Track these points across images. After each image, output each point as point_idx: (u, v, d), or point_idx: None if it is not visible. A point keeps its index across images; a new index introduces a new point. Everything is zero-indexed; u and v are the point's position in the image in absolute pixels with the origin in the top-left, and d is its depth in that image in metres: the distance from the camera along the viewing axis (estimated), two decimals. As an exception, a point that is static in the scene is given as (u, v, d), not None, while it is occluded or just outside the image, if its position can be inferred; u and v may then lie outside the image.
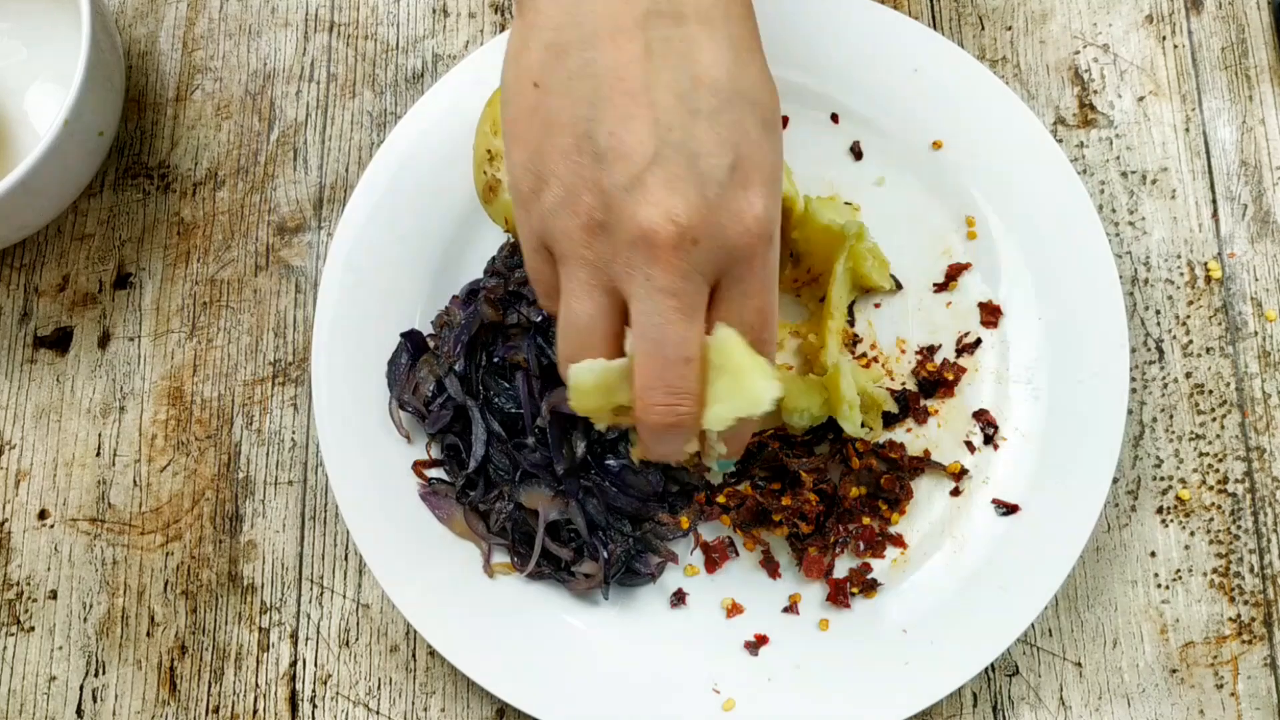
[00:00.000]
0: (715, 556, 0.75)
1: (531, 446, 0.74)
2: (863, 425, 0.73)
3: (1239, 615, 0.75)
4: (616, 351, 0.57)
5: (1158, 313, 0.80)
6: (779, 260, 0.57)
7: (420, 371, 0.76)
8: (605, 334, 0.56)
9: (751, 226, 0.55)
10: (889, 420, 0.77)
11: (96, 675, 0.78)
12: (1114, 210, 0.82)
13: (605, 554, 0.73)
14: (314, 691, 0.77)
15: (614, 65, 0.54)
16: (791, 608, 0.74)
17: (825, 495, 0.74)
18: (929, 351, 0.77)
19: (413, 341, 0.77)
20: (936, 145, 0.79)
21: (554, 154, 0.55)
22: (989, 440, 0.76)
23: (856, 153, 0.80)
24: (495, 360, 0.76)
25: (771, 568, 0.75)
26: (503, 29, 0.87)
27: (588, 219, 0.54)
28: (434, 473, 0.77)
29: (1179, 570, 0.76)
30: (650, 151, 0.53)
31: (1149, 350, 0.80)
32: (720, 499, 0.75)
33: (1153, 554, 0.77)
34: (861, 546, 0.74)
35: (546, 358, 0.75)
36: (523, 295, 0.76)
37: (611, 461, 0.75)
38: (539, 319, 0.75)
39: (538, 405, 0.74)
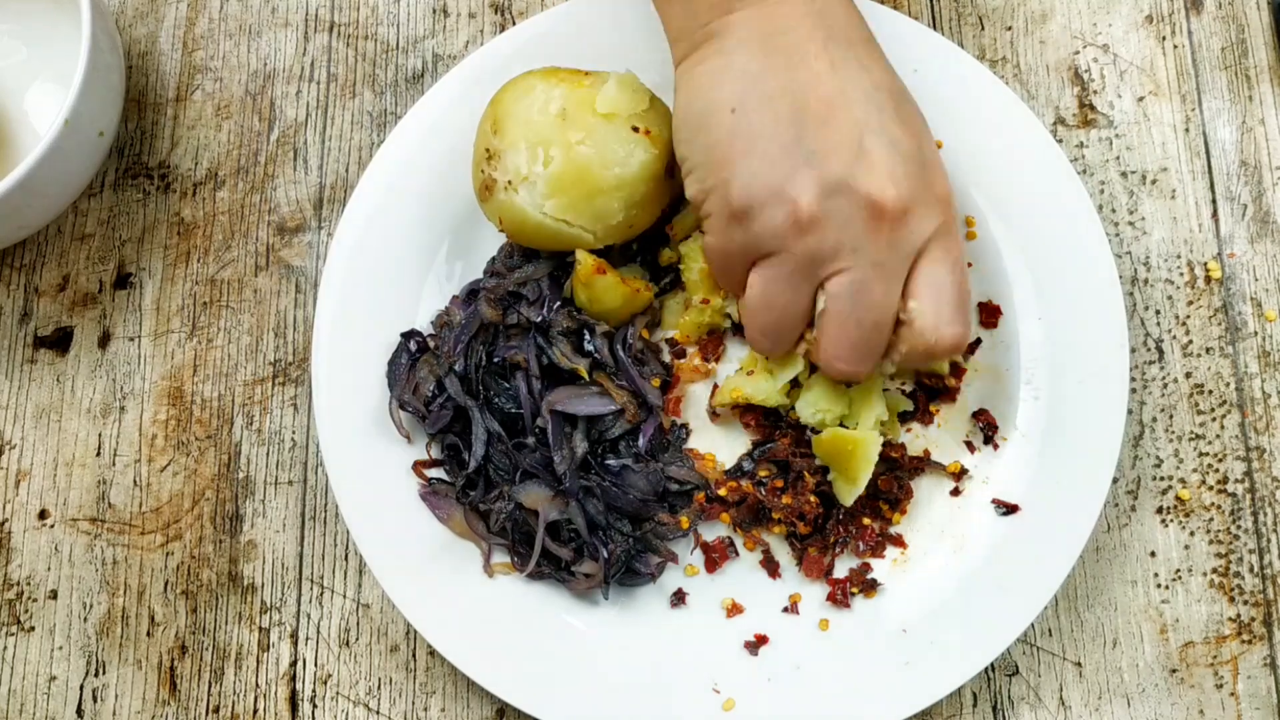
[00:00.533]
0: (715, 556, 0.75)
1: (531, 446, 0.74)
2: (883, 434, 0.74)
3: (1239, 615, 0.75)
4: (804, 328, 0.67)
5: (1158, 313, 0.80)
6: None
7: (420, 371, 0.76)
8: (801, 318, 0.66)
9: (946, 198, 0.64)
10: (901, 419, 0.77)
11: (96, 675, 0.78)
12: (1114, 210, 0.82)
13: (605, 554, 0.73)
14: (314, 691, 0.77)
15: (807, 81, 0.62)
16: (791, 608, 0.74)
17: (825, 496, 0.74)
18: None
19: (413, 341, 0.77)
20: (936, 145, 0.79)
21: (766, 168, 0.62)
22: (989, 440, 0.76)
23: None
24: (495, 360, 0.76)
25: (771, 568, 0.75)
26: (502, 29, 0.87)
27: (809, 213, 0.61)
28: (434, 472, 0.77)
29: (1179, 570, 0.76)
30: (856, 142, 0.61)
31: (1149, 350, 0.80)
32: (722, 492, 0.75)
33: (1153, 554, 0.77)
34: (861, 547, 0.74)
35: (547, 357, 0.75)
36: (522, 295, 0.76)
37: (612, 461, 0.75)
38: (539, 319, 0.75)
39: (538, 405, 0.74)
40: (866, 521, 0.74)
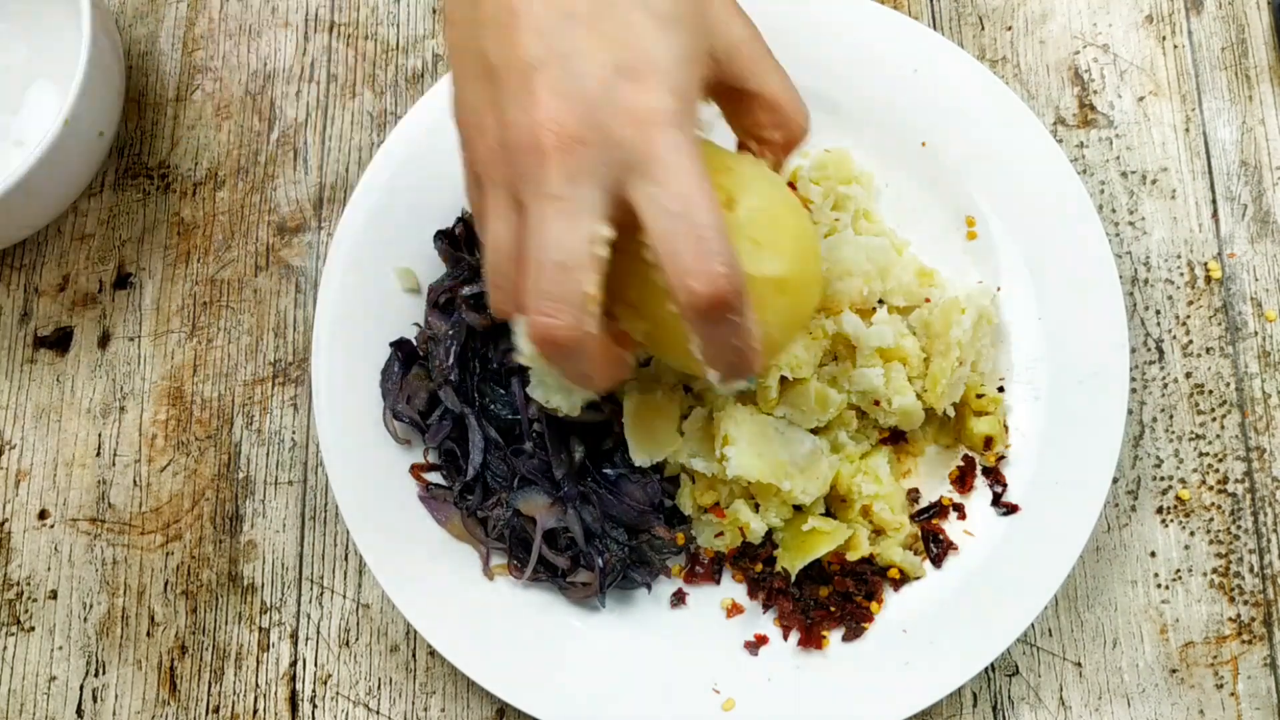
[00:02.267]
0: (701, 572, 0.75)
1: (529, 452, 0.74)
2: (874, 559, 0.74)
3: (1239, 615, 0.75)
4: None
5: (1158, 313, 0.80)
6: (696, 152, 0.54)
7: (413, 382, 0.76)
8: (512, 254, 0.57)
9: (644, 118, 0.54)
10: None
11: (96, 675, 0.78)
12: (1114, 210, 0.82)
13: (601, 563, 0.73)
14: (314, 691, 0.77)
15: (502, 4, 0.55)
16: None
17: (797, 597, 0.74)
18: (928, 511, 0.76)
19: (403, 351, 0.77)
20: (936, 146, 0.79)
21: (466, 83, 0.57)
22: (997, 501, 0.74)
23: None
24: (491, 367, 0.76)
25: (755, 595, 0.75)
26: (503, 29, 0.87)
27: (494, 140, 0.55)
28: (432, 476, 0.76)
29: (1179, 570, 0.76)
30: (529, 61, 0.54)
31: (1149, 350, 0.80)
32: (709, 553, 0.75)
33: (1153, 554, 0.77)
34: (842, 616, 0.74)
35: None
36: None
37: (609, 470, 0.75)
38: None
39: (536, 409, 0.74)
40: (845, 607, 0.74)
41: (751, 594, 0.75)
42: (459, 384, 0.75)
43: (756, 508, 0.73)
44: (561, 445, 0.74)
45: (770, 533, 0.74)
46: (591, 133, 0.54)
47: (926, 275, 0.77)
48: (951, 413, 0.74)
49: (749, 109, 0.63)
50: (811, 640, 0.72)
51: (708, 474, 0.73)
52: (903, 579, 0.73)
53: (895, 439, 0.76)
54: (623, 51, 0.54)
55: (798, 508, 0.73)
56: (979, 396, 0.75)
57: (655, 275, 0.55)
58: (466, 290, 0.76)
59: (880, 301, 0.76)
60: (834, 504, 0.74)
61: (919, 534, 0.74)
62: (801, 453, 0.72)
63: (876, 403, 0.73)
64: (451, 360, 0.75)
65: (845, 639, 0.73)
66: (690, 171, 0.54)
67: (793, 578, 0.73)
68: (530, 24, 0.54)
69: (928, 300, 0.76)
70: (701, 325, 0.55)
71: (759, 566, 0.74)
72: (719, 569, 0.75)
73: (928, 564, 0.74)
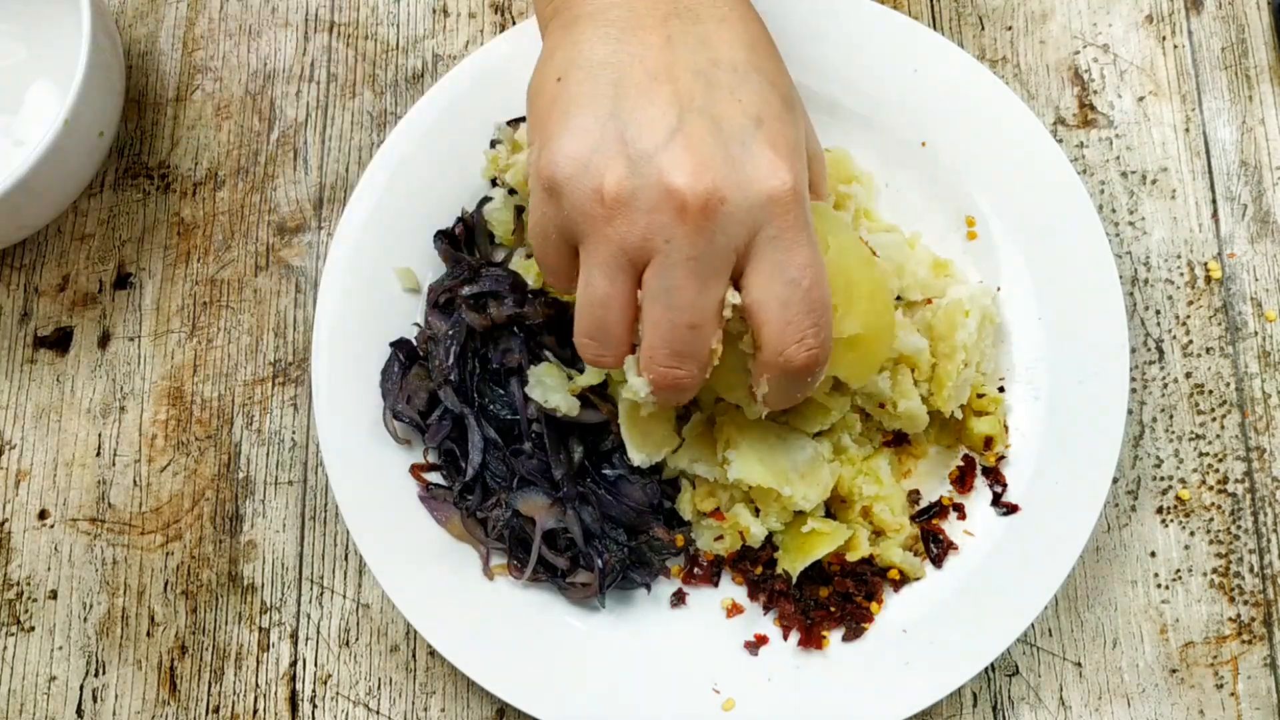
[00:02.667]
0: (700, 574, 0.75)
1: (528, 453, 0.74)
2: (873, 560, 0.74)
3: (1239, 615, 0.75)
4: (632, 327, 0.59)
5: (1158, 313, 0.80)
6: (813, 228, 0.57)
7: (413, 382, 0.76)
8: (624, 311, 0.58)
9: (782, 182, 0.55)
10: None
11: (96, 675, 0.78)
12: (1114, 210, 0.82)
13: (600, 564, 0.73)
14: (314, 691, 0.77)
15: (635, 53, 0.56)
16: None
17: (797, 598, 0.74)
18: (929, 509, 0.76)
19: (403, 351, 0.77)
20: (936, 146, 0.79)
21: (576, 139, 0.56)
22: (997, 501, 0.75)
23: None
24: (491, 367, 0.76)
25: (755, 597, 0.75)
26: (502, 29, 0.87)
27: (614, 193, 0.55)
28: (432, 476, 0.76)
29: (1179, 570, 0.76)
30: (674, 120, 0.55)
31: (1149, 350, 0.80)
32: (708, 556, 0.75)
33: (1153, 554, 0.77)
34: (842, 617, 0.74)
35: (540, 359, 0.75)
36: (495, 293, 0.76)
37: (608, 470, 0.75)
38: (515, 312, 0.74)
39: (535, 409, 0.74)
40: (845, 607, 0.74)
41: (752, 596, 0.75)
42: (459, 384, 0.75)
43: (757, 511, 0.73)
44: (561, 446, 0.74)
45: (770, 535, 0.74)
46: (733, 195, 0.55)
47: (942, 266, 0.77)
48: (959, 415, 0.74)
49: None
50: (811, 640, 0.72)
51: (709, 478, 0.73)
52: (903, 580, 0.73)
53: (898, 441, 0.76)
54: (760, 118, 0.56)
55: (798, 511, 0.73)
56: (979, 396, 0.75)
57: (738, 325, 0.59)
58: (466, 290, 0.76)
59: (896, 298, 0.76)
60: (834, 505, 0.74)
61: (919, 535, 0.74)
62: (803, 458, 0.72)
63: (882, 405, 0.73)
64: (451, 360, 0.75)
65: (845, 639, 0.73)
66: (813, 242, 0.57)
67: (793, 580, 0.73)
68: (676, 88, 0.56)
69: (929, 301, 0.76)
70: (780, 382, 0.59)
71: (759, 569, 0.74)
72: (718, 571, 0.75)
73: (928, 564, 0.74)
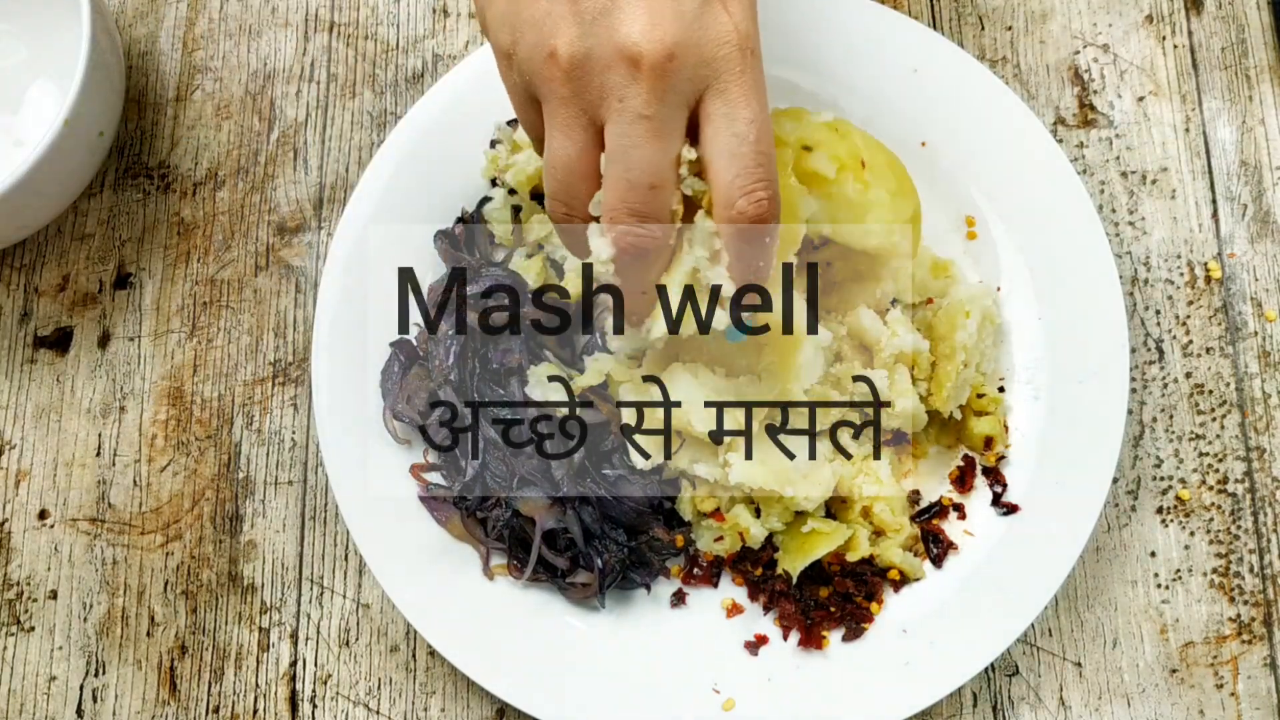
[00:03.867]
0: (700, 574, 0.75)
1: (528, 453, 0.74)
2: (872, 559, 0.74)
3: (1239, 615, 0.75)
4: (596, 186, 0.59)
5: (1158, 313, 0.80)
6: (764, 82, 0.58)
7: (413, 382, 0.76)
8: (586, 171, 0.58)
9: (729, 37, 0.56)
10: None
11: (96, 675, 0.78)
12: (1114, 210, 0.82)
13: (600, 564, 0.73)
14: (314, 691, 0.77)
15: None
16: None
17: (797, 598, 0.74)
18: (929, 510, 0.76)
19: (403, 351, 0.77)
20: (936, 146, 0.79)
21: (528, 2, 0.57)
22: (997, 501, 0.75)
23: None
24: (491, 367, 0.75)
25: (755, 598, 0.75)
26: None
27: (567, 54, 0.56)
28: (432, 476, 0.76)
29: (1179, 570, 0.76)
30: None
31: (1149, 350, 0.80)
32: (708, 556, 0.75)
33: (1153, 554, 0.77)
34: (842, 617, 0.74)
35: (540, 359, 0.75)
36: (501, 288, 0.76)
37: (608, 471, 0.74)
38: (515, 311, 0.74)
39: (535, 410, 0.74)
40: (845, 607, 0.74)
41: (752, 596, 0.75)
42: (459, 384, 0.75)
43: (757, 512, 0.73)
44: (561, 446, 0.74)
45: (770, 535, 0.74)
46: (685, 51, 0.55)
47: (942, 267, 0.77)
48: (958, 415, 0.74)
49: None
50: (812, 640, 0.72)
51: (709, 479, 0.73)
52: (903, 580, 0.73)
53: (898, 440, 0.76)
54: None
55: (799, 512, 0.73)
56: (979, 396, 0.75)
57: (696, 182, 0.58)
58: (466, 290, 0.76)
59: (894, 301, 0.76)
60: (834, 505, 0.74)
61: (919, 535, 0.74)
62: (804, 459, 0.72)
63: (884, 404, 0.73)
64: (451, 360, 0.75)
65: (845, 639, 0.73)
66: (760, 98, 0.57)
67: (794, 580, 0.73)
68: None
69: (930, 301, 0.76)
70: (737, 241, 0.58)
71: (759, 570, 0.74)
72: (718, 572, 0.75)
73: (928, 564, 0.74)
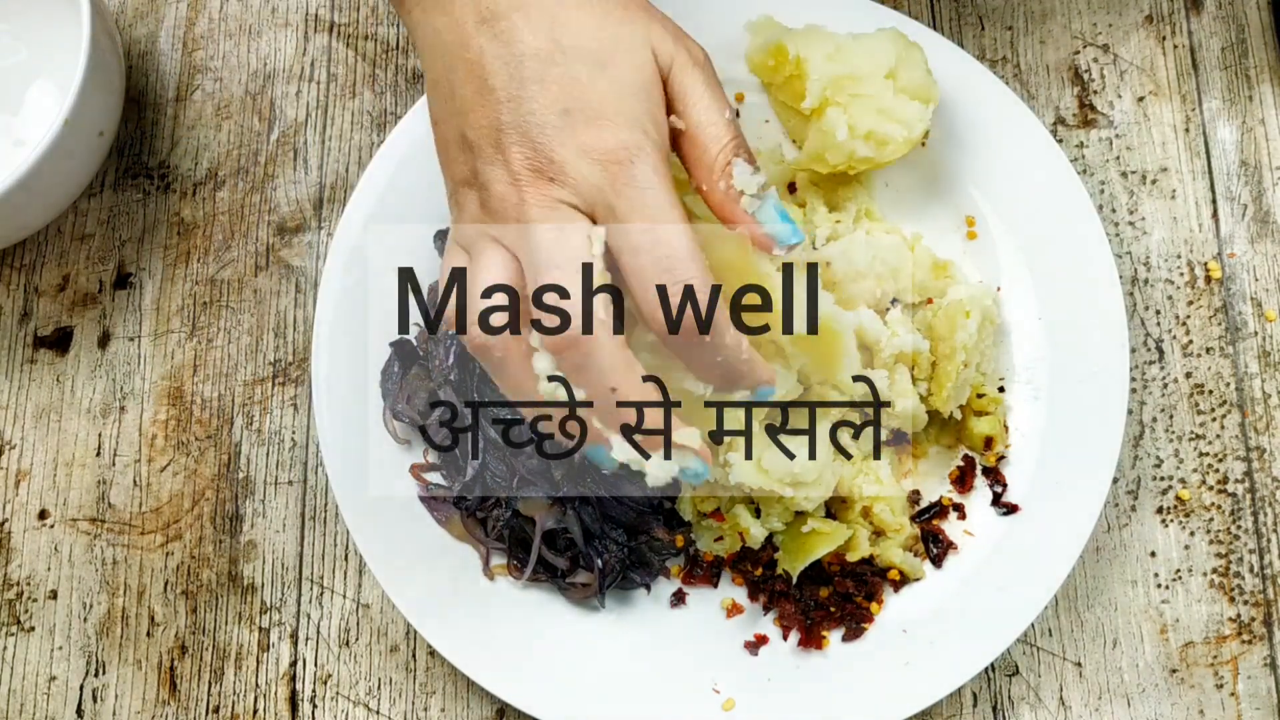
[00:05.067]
0: (700, 574, 0.75)
1: (528, 452, 0.74)
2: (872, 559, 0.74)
3: (1239, 615, 0.75)
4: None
5: (1158, 313, 0.80)
6: (661, 181, 0.59)
7: (413, 381, 0.76)
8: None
9: (599, 156, 0.59)
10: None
11: (96, 675, 0.78)
12: (1114, 210, 0.82)
13: (600, 564, 0.73)
14: (314, 691, 0.77)
15: (463, 67, 0.61)
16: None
17: (797, 598, 0.74)
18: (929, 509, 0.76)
19: (403, 351, 0.77)
20: (936, 146, 0.79)
21: (448, 151, 0.63)
22: (997, 500, 0.75)
23: None
24: None
25: (756, 598, 0.75)
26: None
27: (477, 204, 0.61)
28: (433, 476, 0.76)
29: (1179, 570, 0.76)
30: (496, 129, 0.60)
31: (1149, 350, 0.80)
32: (708, 556, 0.75)
33: (1153, 554, 0.77)
34: (842, 617, 0.74)
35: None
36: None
37: (607, 471, 0.74)
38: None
39: None
40: (845, 608, 0.74)
41: (752, 596, 0.75)
42: (459, 383, 0.75)
43: (758, 512, 0.73)
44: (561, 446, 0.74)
45: (770, 535, 0.74)
46: (558, 175, 0.58)
47: (941, 268, 0.77)
48: (958, 415, 0.74)
49: (677, 145, 0.64)
50: (812, 641, 0.72)
51: (710, 479, 0.73)
52: (903, 580, 0.73)
53: (898, 440, 0.76)
54: (567, 102, 0.59)
55: (799, 512, 0.73)
56: (979, 396, 0.75)
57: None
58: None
59: (894, 301, 0.76)
60: (834, 505, 0.74)
61: (919, 535, 0.74)
62: (804, 459, 0.71)
63: (884, 404, 0.73)
64: (451, 360, 0.75)
65: (845, 639, 0.73)
66: (655, 204, 0.59)
67: (794, 580, 0.72)
68: (496, 95, 0.60)
69: (930, 301, 0.76)
70: (677, 348, 0.60)
71: (759, 570, 0.74)
72: (718, 572, 0.75)
73: (928, 565, 0.74)
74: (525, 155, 0.59)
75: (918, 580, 0.73)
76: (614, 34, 0.61)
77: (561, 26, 0.61)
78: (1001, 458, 0.75)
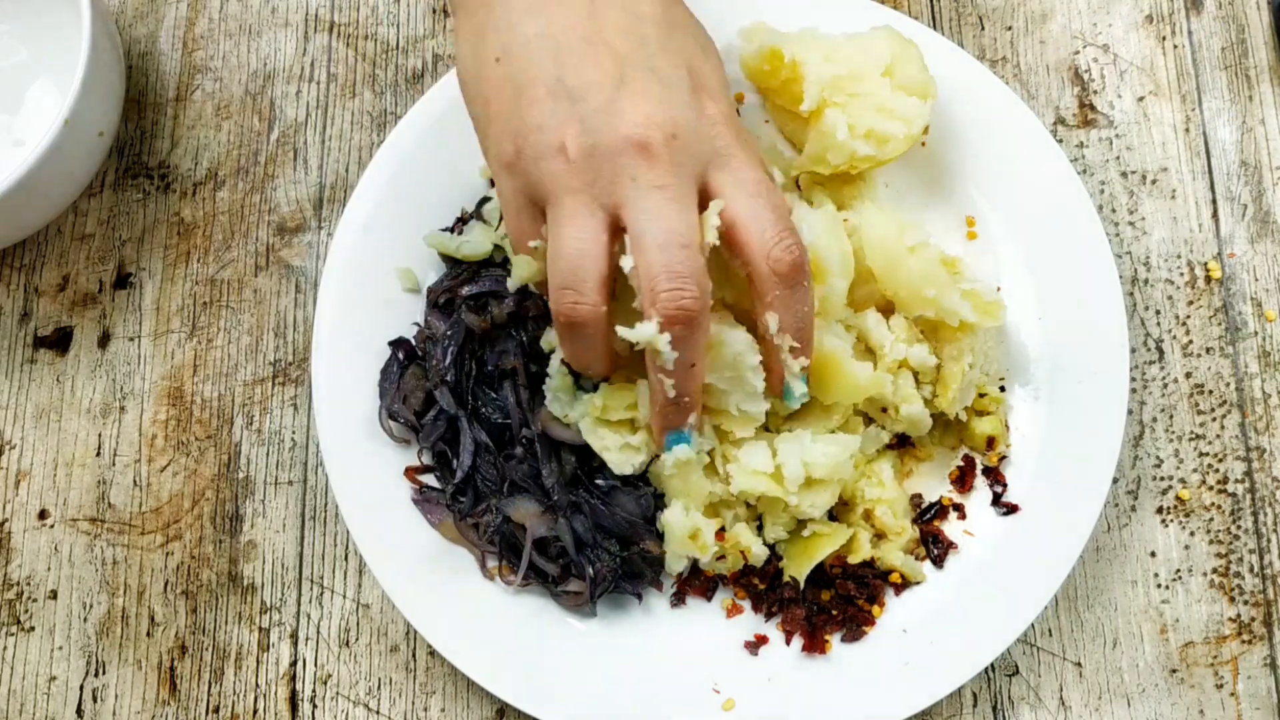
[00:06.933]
0: (696, 584, 0.75)
1: (520, 457, 0.74)
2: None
3: (1239, 615, 0.75)
4: (608, 272, 0.61)
5: (1158, 313, 0.80)
6: (757, 148, 0.66)
7: (409, 382, 0.76)
8: (597, 254, 0.61)
9: (717, 119, 0.63)
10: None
11: (96, 675, 0.78)
12: (1114, 210, 0.82)
13: (591, 573, 0.72)
14: (314, 691, 0.77)
15: (565, 23, 0.62)
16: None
17: (803, 603, 0.74)
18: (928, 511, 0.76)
19: (402, 350, 0.77)
20: (936, 146, 0.79)
21: (530, 109, 0.61)
22: (997, 500, 0.75)
23: None
24: (487, 370, 0.75)
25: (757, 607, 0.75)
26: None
27: (575, 150, 0.60)
28: (428, 478, 0.76)
29: (1179, 570, 0.76)
30: (617, 76, 0.61)
31: (1149, 350, 0.80)
32: (709, 573, 0.75)
33: (1153, 554, 0.77)
34: (843, 620, 0.73)
35: (536, 363, 0.75)
36: (495, 293, 0.75)
37: (601, 481, 0.74)
38: (515, 309, 0.74)
39: (526, 416, 0.74)
40: (847, 610, 0.74)
41: (756, 608, 0.74)
42: (454, 385, 0.75)
43: (760, 527, 0.73)
44: (552, 453, 0.73)
45: (773, 548, 0.74)
46: (685, 132, 0.61)
47: (950, 264, 0.76)
48: (964, 416, 0.74)
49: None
50: (815, 646, 0.72)
51: (711, 491, 0.72)
52: (904, 584, 0.73)
53: (902, 442, 0.76)
54: (689, 67, 0.64)
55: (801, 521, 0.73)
56: (981, 396, 0.75)
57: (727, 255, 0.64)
58: (466, 290, 0.76)
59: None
60: (836, 507, 0.74)
61: (920, 538, 0.74)
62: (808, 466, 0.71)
63: (885, 410, 0.73)
64: (449, 361, 0.75)
65: (845, 640, 0.73)
66: (759, 163, 0.64)
67: (801, 584, 0.72)
68: (613, 48, 0.61)
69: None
70: (782, 292, 0.63)
71: (763, 585, 0.74)
72: (713, 588, 0.74)
73: (928, 566, 0.74)
74: (655, 111, 0.60)
75: (918, 584, 0.73)
76: (699, 24, 0.68)
77: (670, 4, 0.66)
78: (1003, 457, 0.75)
